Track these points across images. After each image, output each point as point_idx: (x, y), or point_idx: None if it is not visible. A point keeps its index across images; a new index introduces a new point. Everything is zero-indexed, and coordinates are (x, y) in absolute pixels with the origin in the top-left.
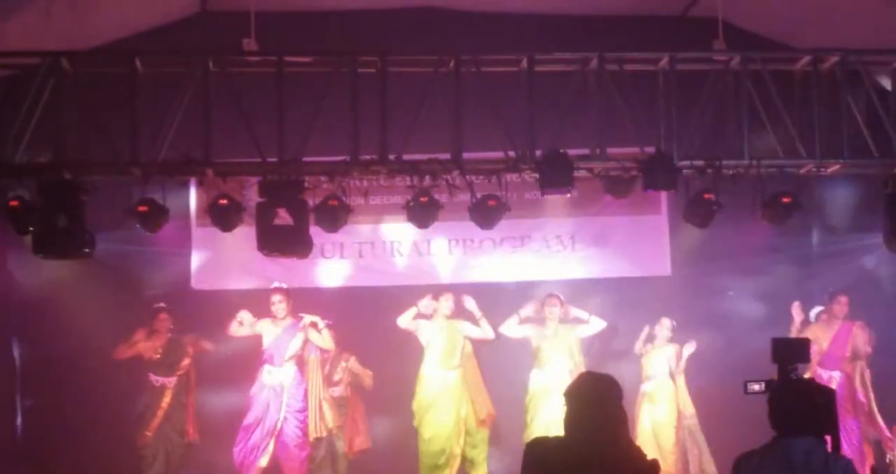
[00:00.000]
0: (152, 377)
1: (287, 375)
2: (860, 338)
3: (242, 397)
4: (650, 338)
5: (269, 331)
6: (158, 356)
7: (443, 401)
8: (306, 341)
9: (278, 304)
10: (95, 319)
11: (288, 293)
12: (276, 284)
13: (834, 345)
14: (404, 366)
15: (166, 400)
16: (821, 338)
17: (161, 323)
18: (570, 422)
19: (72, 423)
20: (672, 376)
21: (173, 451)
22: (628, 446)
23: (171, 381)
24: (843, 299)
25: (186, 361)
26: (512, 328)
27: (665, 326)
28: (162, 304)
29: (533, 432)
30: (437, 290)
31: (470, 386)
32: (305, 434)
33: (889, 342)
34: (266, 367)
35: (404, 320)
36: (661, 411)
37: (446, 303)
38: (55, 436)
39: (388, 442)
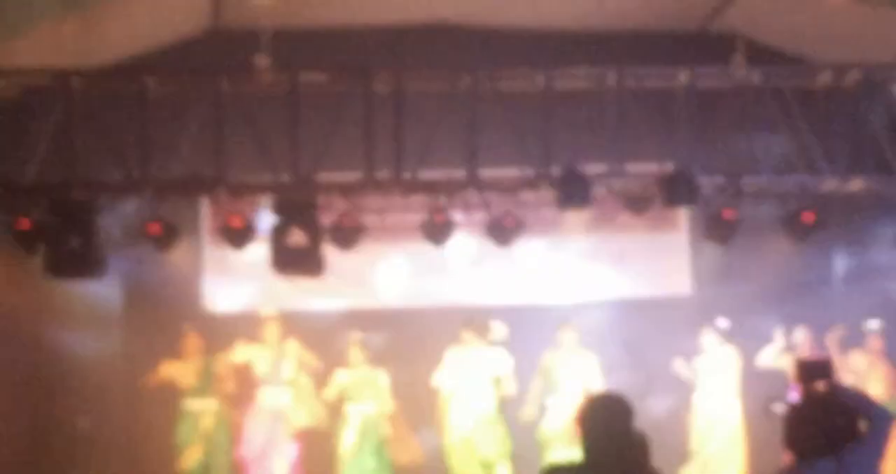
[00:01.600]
0: (189, 401)
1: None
2: None
3: None
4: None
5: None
6: (195, 379)
7: None
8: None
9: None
10: (110, 342)
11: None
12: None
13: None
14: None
15: (207, 423)
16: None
17: (191, 345)
18: (588, 448)
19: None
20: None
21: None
22: (651, 470)
23: (211, 404)
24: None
25: (222, 382)
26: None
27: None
28: (190, 325)
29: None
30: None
31: None
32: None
33: None
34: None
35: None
36: None
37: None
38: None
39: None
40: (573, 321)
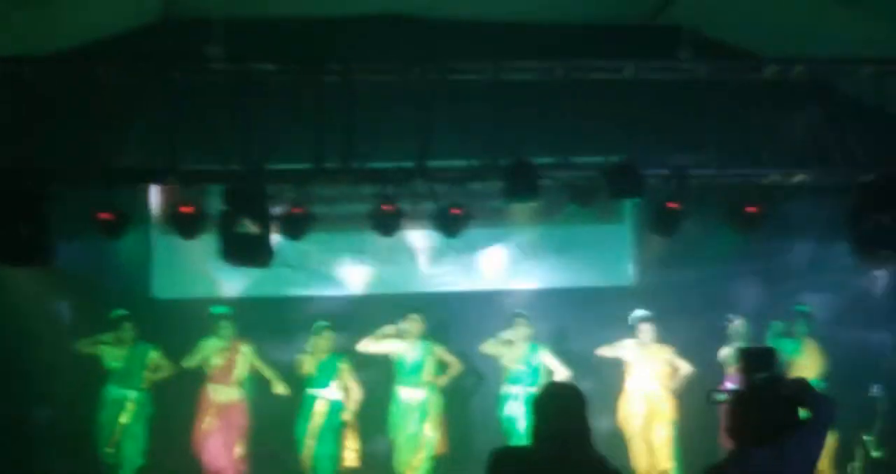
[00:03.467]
0: (111, 388)
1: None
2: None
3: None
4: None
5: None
6: (120, 365)
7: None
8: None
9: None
10: (57, 328)
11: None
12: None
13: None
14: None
15: (128, 414)
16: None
17: (125, 332)
18: (536, 433)
19: (26, 433)
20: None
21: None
22: (595, 457)
23: (133, 394)
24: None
25: (153, 373)
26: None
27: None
28: (124, 312)
29: None
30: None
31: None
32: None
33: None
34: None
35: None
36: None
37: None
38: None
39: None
40: (525, 315)
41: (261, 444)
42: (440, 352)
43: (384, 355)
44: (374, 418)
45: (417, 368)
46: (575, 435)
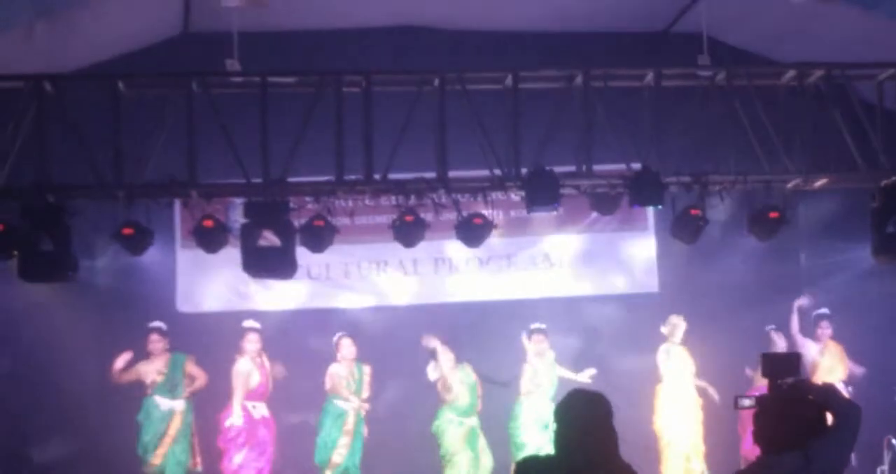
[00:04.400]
0: (158, 399)
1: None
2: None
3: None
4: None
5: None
6: (162, 377)
7: None
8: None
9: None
10: (83, 344)
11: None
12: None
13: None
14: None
15: (175, 424)
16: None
17: (154, 344)
18: (560, 442)
19: (68, 453)
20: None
21: None
22: (622, 465)
23: (180, 404)
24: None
25: (190, 382)
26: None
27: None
28: (155, 324)
29: None
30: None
31: None
32: None
33: (876, 357)
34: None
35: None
36: None
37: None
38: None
39: None
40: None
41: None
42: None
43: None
44: None
45: None
46: (600, 443)
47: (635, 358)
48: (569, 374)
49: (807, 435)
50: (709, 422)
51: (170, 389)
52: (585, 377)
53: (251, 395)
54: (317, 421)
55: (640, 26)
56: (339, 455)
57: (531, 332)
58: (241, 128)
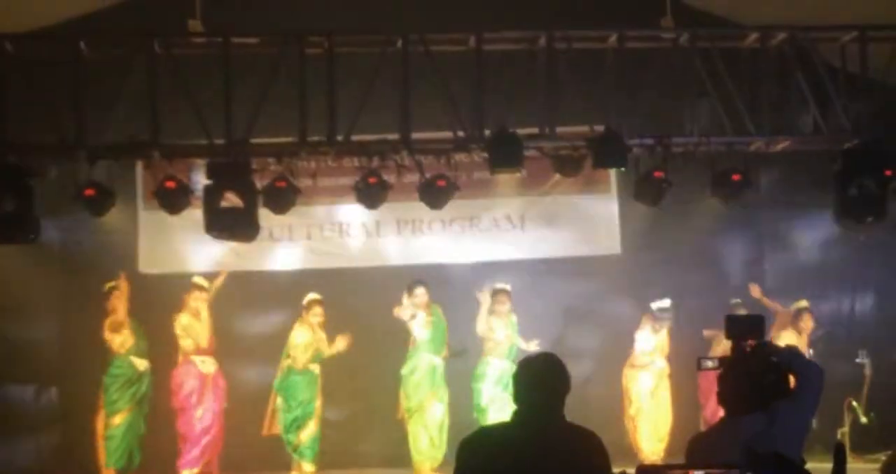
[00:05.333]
0: (135, 360)
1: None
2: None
3: None
4: None
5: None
6: (133, 339)
7: None
8: None
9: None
10: (45, 304)
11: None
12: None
13: None
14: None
15: (145, 384)
16: None
17: (116, 301)
18: (518, 405)
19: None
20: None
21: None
22: (568, 424)
23: (145, 364)
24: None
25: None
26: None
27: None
28: (113, 283)
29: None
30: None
31: None
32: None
33: (838, 319)
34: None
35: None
36: None
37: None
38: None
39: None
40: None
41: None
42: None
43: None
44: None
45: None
46: (554, 405)
47: (597, 322)
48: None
49: (770, 397)
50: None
51: (140, 350)
52: (532, 346)
53: (200, 351)
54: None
55: None
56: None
57: (495, 291)
58: (204, 88)
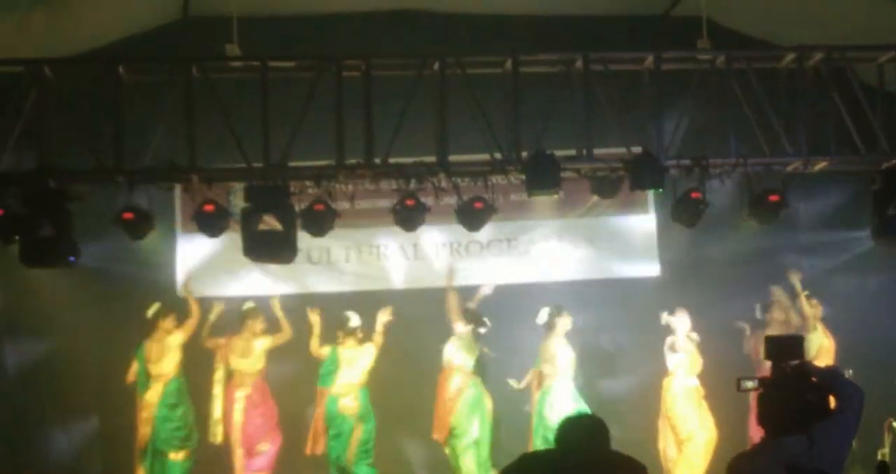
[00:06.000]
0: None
1: None
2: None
3: None
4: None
5: None
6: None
7: None
8: None
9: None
10: (84, 329)
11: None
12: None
13: None
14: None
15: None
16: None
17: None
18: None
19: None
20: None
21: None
22: (611, 451)
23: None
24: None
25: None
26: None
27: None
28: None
29: None
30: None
31: None
32: None
33: (877, 340)
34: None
35: None
36: None
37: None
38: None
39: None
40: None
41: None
42: None
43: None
44: None
45: None
46: (593, 434)
47: (636, 342)
48: (512, 383)
49: (810, 418)
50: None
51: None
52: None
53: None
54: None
55: (639, 9)
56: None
57: (557, 311)
58: (242, 112)
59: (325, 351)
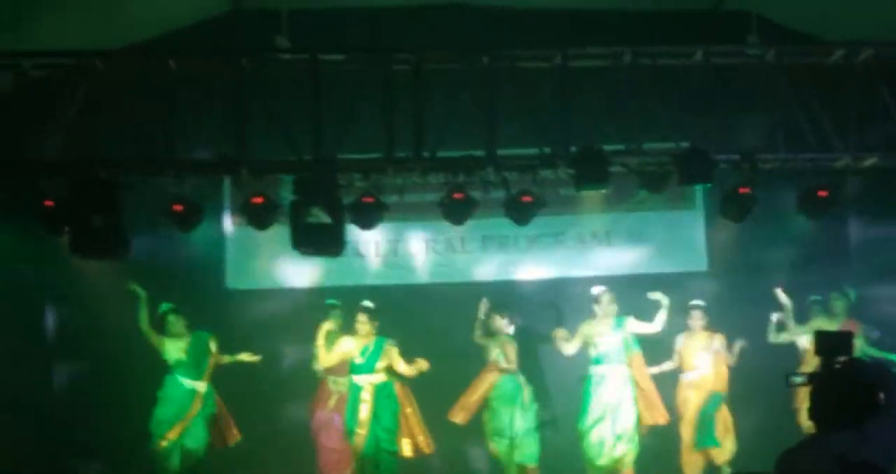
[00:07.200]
0: (181, 379)
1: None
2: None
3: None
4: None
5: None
6: (184, 356)
7: None
8: None
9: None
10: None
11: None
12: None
13: None
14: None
15: (196, 406)
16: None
17: (171, 324)
18: None
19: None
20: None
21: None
22: None
23: (201, 385)
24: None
25: (213, 362)
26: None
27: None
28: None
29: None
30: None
31: None
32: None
33: None
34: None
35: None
36: None
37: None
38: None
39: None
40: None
41: None
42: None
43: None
44: None
45: None
46: None
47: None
48: None
49: (860, 413)
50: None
51: (190, 369)
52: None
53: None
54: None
55: (688, 4)
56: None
57: (602, 293)
58: (292, 105)
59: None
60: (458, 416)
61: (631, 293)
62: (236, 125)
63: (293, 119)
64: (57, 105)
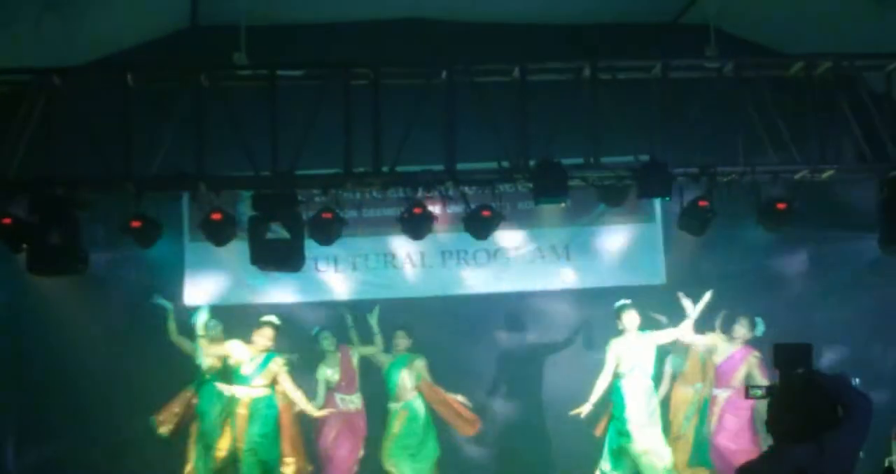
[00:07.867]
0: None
1: None
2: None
3: None
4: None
5: None
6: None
7: None
8: None
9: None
10: (92, 337)
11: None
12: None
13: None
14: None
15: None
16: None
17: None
18: None
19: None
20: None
21: None
22: None
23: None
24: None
25: None
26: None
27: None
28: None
29: None
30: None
31: None
32: None
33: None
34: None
35: None
36: None
37: None
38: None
39: None
40: (634, 305)
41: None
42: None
43: None
44: None
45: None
46: None
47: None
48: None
49: (819, 427)
50: None
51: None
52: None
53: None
54: None
55: (647, 18)
56: None
57: (622, 308)
58: (250, 120)
59: None
60: None
61: (589, 307)
62: (194, 141)
63: (252, 134)
64: (14, 121)
